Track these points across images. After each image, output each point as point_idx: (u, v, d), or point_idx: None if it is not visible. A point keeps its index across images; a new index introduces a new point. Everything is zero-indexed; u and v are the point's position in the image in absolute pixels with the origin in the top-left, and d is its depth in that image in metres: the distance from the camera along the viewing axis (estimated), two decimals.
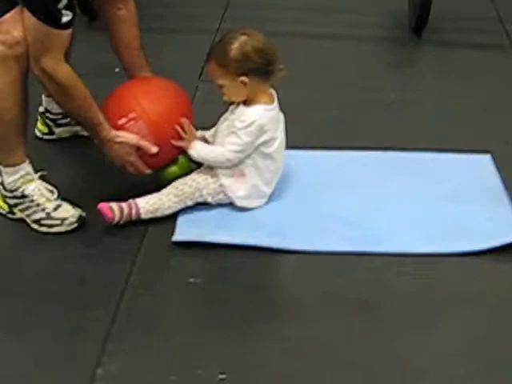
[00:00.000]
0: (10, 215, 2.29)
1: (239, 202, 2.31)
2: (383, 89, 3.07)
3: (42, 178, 2.27)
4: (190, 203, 2.30)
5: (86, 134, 2.60)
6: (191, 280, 2.10)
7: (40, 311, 2.00)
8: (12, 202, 2.26)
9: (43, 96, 2.58)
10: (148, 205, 2.26)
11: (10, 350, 1.90)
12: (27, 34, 2.05)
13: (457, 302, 2.05)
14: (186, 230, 2.23)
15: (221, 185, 2.29)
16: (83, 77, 2.19)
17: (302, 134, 2.59)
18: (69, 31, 2.07)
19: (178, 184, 2.30)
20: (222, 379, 1.81)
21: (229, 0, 3.73)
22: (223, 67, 2.21)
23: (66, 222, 2.23)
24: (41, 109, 2.63)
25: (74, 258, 2.18)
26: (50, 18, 2.02)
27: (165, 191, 2.29)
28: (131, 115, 2.23)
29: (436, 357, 1.87)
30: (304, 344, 1.91)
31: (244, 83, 2.22)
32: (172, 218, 2.29)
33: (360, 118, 2.85)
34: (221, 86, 2.25)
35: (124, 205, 2.24)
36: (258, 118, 2.24)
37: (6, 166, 2.21)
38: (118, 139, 2.22)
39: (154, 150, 2.24)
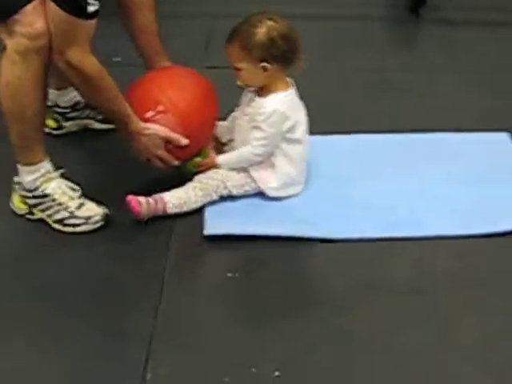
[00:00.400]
0: (29, 216, 2.20)
1: (272, 193, 2.25)
2: (387, 70, 3.02)
3: (62, 175, 2.18)
4: (215, 197, 2.23)
5: (96, 127, 2.54)
6: (229, 275, 2.04)
7: (77, 316, 1.92)
8: (32, 202, 2.16)
9: (50, 89, 2.47)
10: (174, 199, 2.19)
11: (51, 357, 1.81)
12: (51, 26, 1.95)
13: (501, 281, 2.03)
14: (215, 224, 2.16)
15: (250, 177, 2.23)
16: None
17: (310, 119, 2.53)
18: (94, 21, 1.97)
19: (201, 177, 2.23)
20: (277, 376, 1.75)
21: None
22: (246, 50, 2.14)
23: (91, 220, 2.15)
24: (48, 103, 2.51)
25: (103, 259, 2.10)
26: (77, 8, 1.91)
27: (190, 185, 2.22)
28: (159, 108, 2.15)
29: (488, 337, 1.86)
30: (355, 335, 1.87)
31: (265, 69, 2.15)
32: (197, 212, 2.22)
33: (367, 101, 2.79)
34: (239, 69, 2.17)
35: (151, 199, 2.16)
36: (277, 107, 2.18)
37: (25, 164, 2.12)
38: (147, 131, 2.14)
39: (185, 141, 2.16)
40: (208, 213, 2.20)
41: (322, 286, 2.07)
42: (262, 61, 2.14)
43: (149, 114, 2.15)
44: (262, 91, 2.23)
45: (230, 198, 2.25)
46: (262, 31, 2.12)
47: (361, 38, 3.25)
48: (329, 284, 2.05)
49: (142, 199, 2.15)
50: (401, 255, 2.11)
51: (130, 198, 2.14)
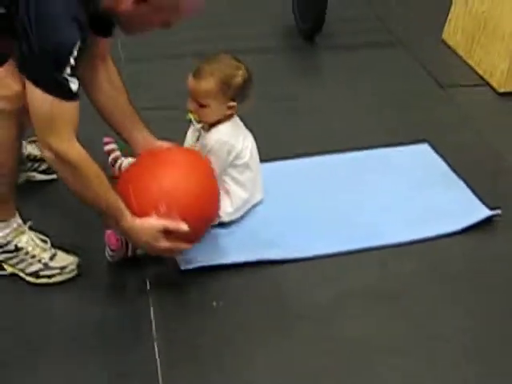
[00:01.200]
0: (0, 272, 2.16)
1: (228, 218, 2.33)
2: (293, 97, 3.14)
3: (30, 228, 2.16)
4: None
5: (39, 178, 2.51)
6: (214, 304, 2.10)
7: (78, 362, 1.92)
8: (3, 256, 2.13)
9: None
10: None
11: None
12: (31, 111, 1.83)
13: (463, 277, 2.21)
14: (188, 258, 2.20)
15: None
16: None
17: None
18: (77, 103, 1.85)
19: None
20: None
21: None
22: (223, 90, 2.22)
23: (66, 270, 2.14)
24: None
25: (86, 305, 2.09)
26: (56, 85, 1.80)
27: None
28: (162, 209, 2.00)
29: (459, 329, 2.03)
30: (345, 341, 1.99)
31: (230, 107, 2.26)
32: None
33: (278, 127, 2.89)
34: (203, 106, 2.24)
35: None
36: (219, 138, 2.27)
37: None
38: (142, 227, 1.99)
39: (184, 227, 2.00)
40: None
41: (302, 301, 2.14)
42: (232, 100, 2.24)
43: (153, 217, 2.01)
44: (210, 126, 2.31)
45: None
46: (240, 73, 2.24)
47: (261, 68, 3.36)
48: (308, 298, 2.14)
49: (118, 235, 2.15)
50: (368, 264, 2.25)
51: (109, 233, 2.15)
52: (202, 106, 2.23)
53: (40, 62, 1.78)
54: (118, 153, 2.53)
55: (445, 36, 3.61)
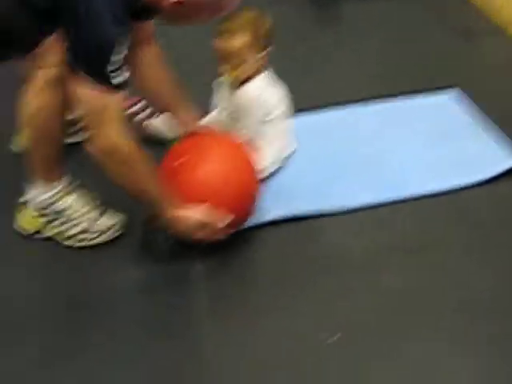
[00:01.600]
0: (38, 235, 2.23)
1: (266, 172, 2.36)
2: (313, 48, 3.16)
3: (77, 188, 2.22)
4: None
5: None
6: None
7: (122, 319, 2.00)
8: (47, 218, 2.19)
9: None
10: None
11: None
12: (78, 104, 1.92)
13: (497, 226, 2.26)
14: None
15: None
16: None
17: None
18: (123, 94, 1.92)
19: None
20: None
21: None
22: (257, 39, 2.25)
23: (110, 231, 2.21)
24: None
25: (130, 264, 2.16)
26: (102, 78, 1.87)
27: None
28: (208, 203, 2.05)
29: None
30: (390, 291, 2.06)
31: (263, 57, 2.29)
32: None
33: (298, 78, 2.87)
34: (238, 64, 2.26)
35: None
36: (256, 93, 2.31)
37: (45, 182, 2.14)
38: (185, 215, 2.04)
39: (226, 220, 2.06)
40: None
41: (341, 253, 2.20)
42: (265, 48, 2.28)
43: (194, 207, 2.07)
44: (241, 83, 2.33)
45: None
46: (267, 20, 2.28)
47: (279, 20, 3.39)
48: (346, 250, 2.20)
49: None
50: (398, 215, 2.30)
51: None
52: (237, 64, 2.26)
53: (86, 56, 1.87)
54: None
55: None
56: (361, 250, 2.19)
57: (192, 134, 2.21)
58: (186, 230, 2.06)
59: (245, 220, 2.19)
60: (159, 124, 2.56)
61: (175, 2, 1.92)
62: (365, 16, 3.45)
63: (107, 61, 1.85)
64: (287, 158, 2.46)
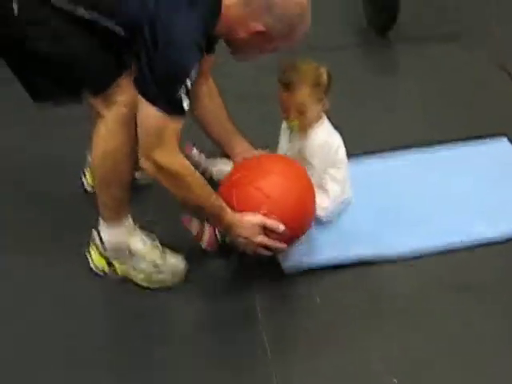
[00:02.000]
0: (110, 273, 2.32)
1: (324, 212, 2.44)
2: (368, 93, 3.23)
3: (140, 228, 2.31)
4: None
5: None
6: (318, 299, 2.26)
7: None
8: (114, 256, 2.28)
9: None
10: None
11: None
12: (139, 125, 2.01)
13: None
14: (291, 261, 2.35)
15: None
16: None
17: None
18: (183, 119, 2.02)
19: None
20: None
21: None
22: (316, 90, 2.33)
23: (176, 270, 2.29)
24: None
25: (193, 304, 2.27)
26: (172, 103, 1.96)
27: None
28: (262, 212, 2.15)
29: None
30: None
31: (324, 106, 2.38)
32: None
33: (354, 123, 2.93)
34: (302, 113, 2.35)
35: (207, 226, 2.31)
36: (323, 138, 2.41)
37: (112, 221, 2.23)
38: (242, 222, 2.14)
39: (282, 227, 2.14)
40: None
41: (397, 294, 2.29)
42: (323, 98, 2.37)
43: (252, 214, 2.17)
44: (304, 128, 2.42)
45: None
46: (324, 71, 2.36)
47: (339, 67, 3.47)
48: (401, 291, 2.30)
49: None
50: (454, 258, 2.38)
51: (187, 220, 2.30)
52: (301, 113, 2.36)
53: (160, 82, 1.95)
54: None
55: None
56: (415, 293, 2.28)
57: (251, 158, 2.33)
58: (244, 233, 2.13)
59: (298, 237, 2.26)
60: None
61: (254, 32, 2.02)
62: (418, 58, 3.52)
63: (182, 85, 1.94)
64: (347, 202, 2.53)
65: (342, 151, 2.48)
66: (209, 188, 2.12)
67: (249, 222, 2.14)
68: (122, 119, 2.06)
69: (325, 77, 2.36)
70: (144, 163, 2.04)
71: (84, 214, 2.40)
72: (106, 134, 2.09)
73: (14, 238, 2.48)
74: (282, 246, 2.21)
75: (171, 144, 2.00)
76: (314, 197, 2.30)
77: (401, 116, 3.09)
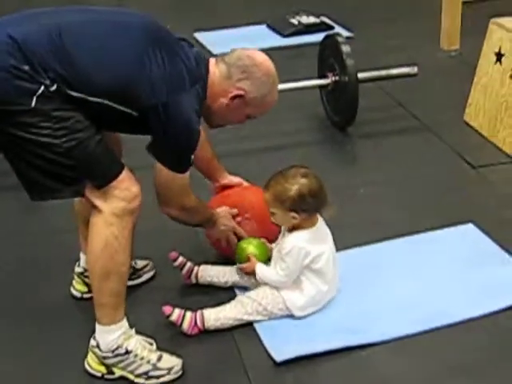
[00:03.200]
0: (108, 376, 2.33)
1: (299, 312, 2.53)
2: (333, 186, 3.27)
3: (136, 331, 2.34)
4: (254, 316, 2.51)
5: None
6: None
7: None
8: (113, 360, 2.29)
9: (81, 255, 2.64)
10: (213, 314, 2.47)
11: None
12: (159, 186, 2.36)
13: None
14: (281, 349, 2.41)
15: (281, 297, 2.52)
16: None
17: None
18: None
19: (241, 297, 2.56)
20: None
21: None
22: (279, 201, 2.46)
23: (173, 370, 2.31)
24: (78, 269, 2.67)
25: None
26: (185, 165, 2.34)
27: (230, 303, 2.52)
28: (246, 215, 2.75)
29: None
30: None
31: (294, 217, 2.48)
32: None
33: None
34: (272, 213, 2.50)
35: (189, 312, 2.47)
36: (296, 244, 2.48)
37: (109, 323, 2.26)
38: (220, 212, 2.71)
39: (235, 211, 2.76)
40: (264, 339, 2.45)
41: (393, 380, 2.34)
42: (292, 211, 2.46)
43: (238, 219, 2.75)
44: (291, 228, 2.53)
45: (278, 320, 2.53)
46: (294, 188, 2.43)
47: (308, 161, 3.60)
48: (396, 377, 2.34)
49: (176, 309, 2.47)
50: (442, 341, 2.44)
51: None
52: (271, 213, 2.50)
53: (175, 152, 2.30)
54: (189, 263, 2.71)
55: (467, 118, 3.87)
56: (412, 375, 2.33)
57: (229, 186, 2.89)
58: (225, 221, 2.69)
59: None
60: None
61: (234, 97, 2.38)
62: (378, 151, 3.70)
63: (195, 147, 2.32)
64: (326, 302, 2.59)
65: (324, 260, 2.51)
66: (205, 206, 2.66)
67: (223, 211, 2.71)
68: (119, 212, 2.17)
69: (291, 194, 2.44)
70: (170, 211, 2.45)
71: (77, 320, 2.45)
72: (104, 225, 2.17)
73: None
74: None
75: (184, 190, 2.42)
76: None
77: (364, 208, 3.20)
